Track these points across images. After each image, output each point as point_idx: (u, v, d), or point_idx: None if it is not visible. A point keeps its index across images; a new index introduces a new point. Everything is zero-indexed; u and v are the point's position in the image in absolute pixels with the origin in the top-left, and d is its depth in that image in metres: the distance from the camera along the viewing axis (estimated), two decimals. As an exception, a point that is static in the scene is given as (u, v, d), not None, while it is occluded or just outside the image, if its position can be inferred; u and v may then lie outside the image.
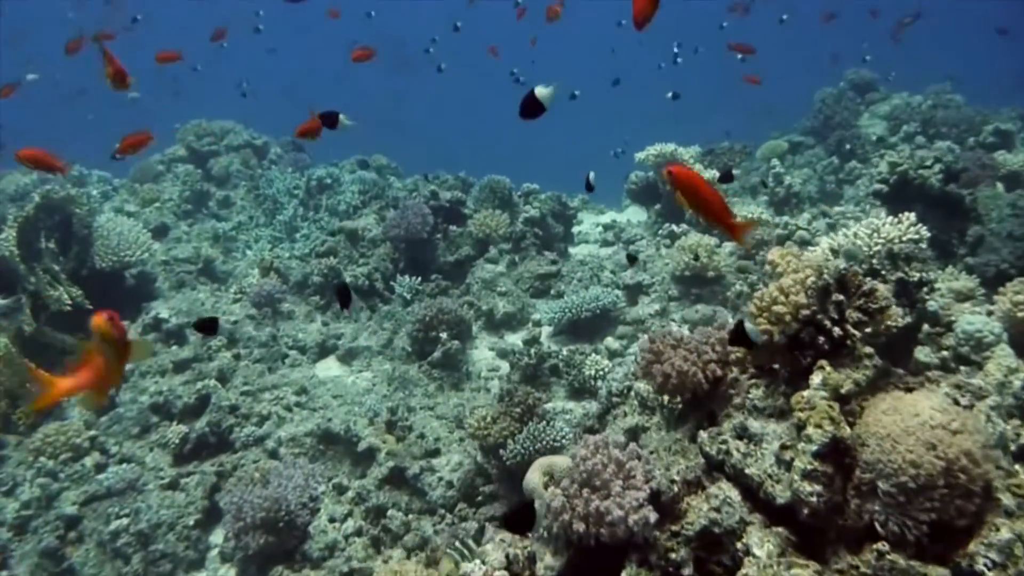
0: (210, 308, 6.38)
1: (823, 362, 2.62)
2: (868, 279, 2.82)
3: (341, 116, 4.19)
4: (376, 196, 8.43)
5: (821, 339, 2.67)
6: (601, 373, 5.47)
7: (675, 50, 8.84)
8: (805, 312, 2.69)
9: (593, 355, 5.65)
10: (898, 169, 5.68)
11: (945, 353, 3.82)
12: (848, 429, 2.43)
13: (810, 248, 5.99)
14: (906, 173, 5.65)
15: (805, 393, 2.54)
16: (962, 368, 3.79)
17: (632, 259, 6.00)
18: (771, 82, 10.80)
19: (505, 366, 5.92)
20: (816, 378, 2.57)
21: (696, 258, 6.15)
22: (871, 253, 4.07)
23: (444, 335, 5.86)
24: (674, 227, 6.97)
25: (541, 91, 2.84)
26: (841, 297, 2.73)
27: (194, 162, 9.47)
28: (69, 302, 5.79)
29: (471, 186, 9.26)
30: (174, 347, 5.92)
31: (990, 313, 4.25)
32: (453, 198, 7.33)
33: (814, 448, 2.38)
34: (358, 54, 6.66)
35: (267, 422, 5.36)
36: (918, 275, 4.07)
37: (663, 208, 7.59)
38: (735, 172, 9.72)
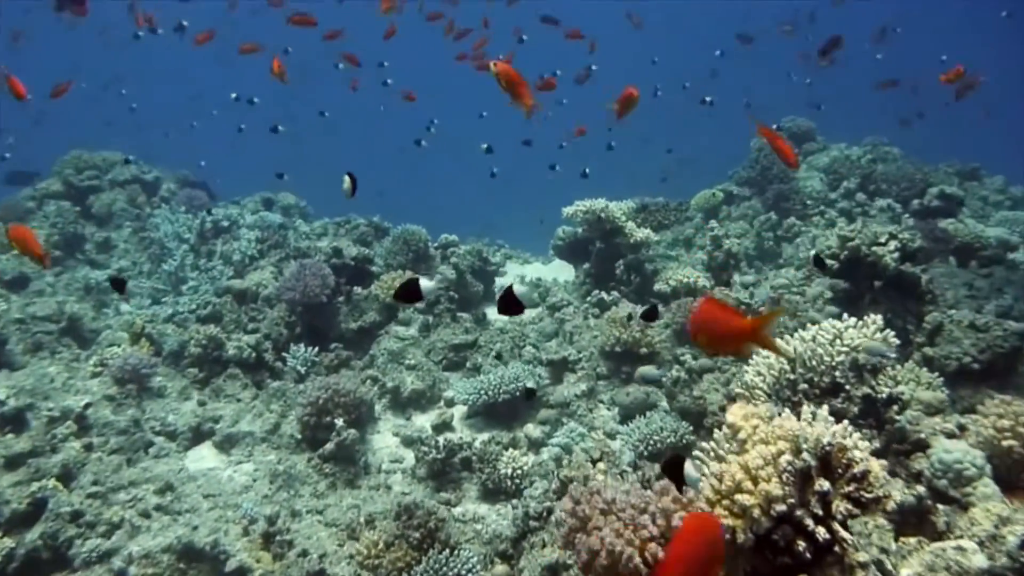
0: (61, 385, 5.41)
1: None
2: (859, 453, 2.15)
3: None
4: (276, 245, 7.56)
5: (801, 544, 1.98)
6: (519, 472, 4.74)
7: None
8: (779, 507, 2.01)
9: (510, 450, 4.91)
10: (849, 244, 5.16)
11: (920, 489, 3.21)
12: None
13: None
14: (858, 249, 5.13)
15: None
16: (940, 507, 3.19)
17: (531, 393, 5.24)
18: (715, 125, 10.40)
19: (410, 457, 5.14)
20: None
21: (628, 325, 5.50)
22: (833, 363, 3.45)
23: (340, 421, 5.04)
24: (604, 294, 6.33)
25: (519, 289, 2.97)
26: (826, 486, 2.05)
27: (71, 199, 8.40)
28: None
29: (385, 233, 8.49)
30: (9, 435, 4.93)
31: (962, 427, 3.69)
32: (359, 255, 6.53)
33: None
34: (246, 47, 6.02)
35: (117, 532, 4.44)
36: (887, 391, 3.48)
37: (592, 268, 6.94)
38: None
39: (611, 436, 5.31)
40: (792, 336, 3.68)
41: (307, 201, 9.89)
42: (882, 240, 5.11)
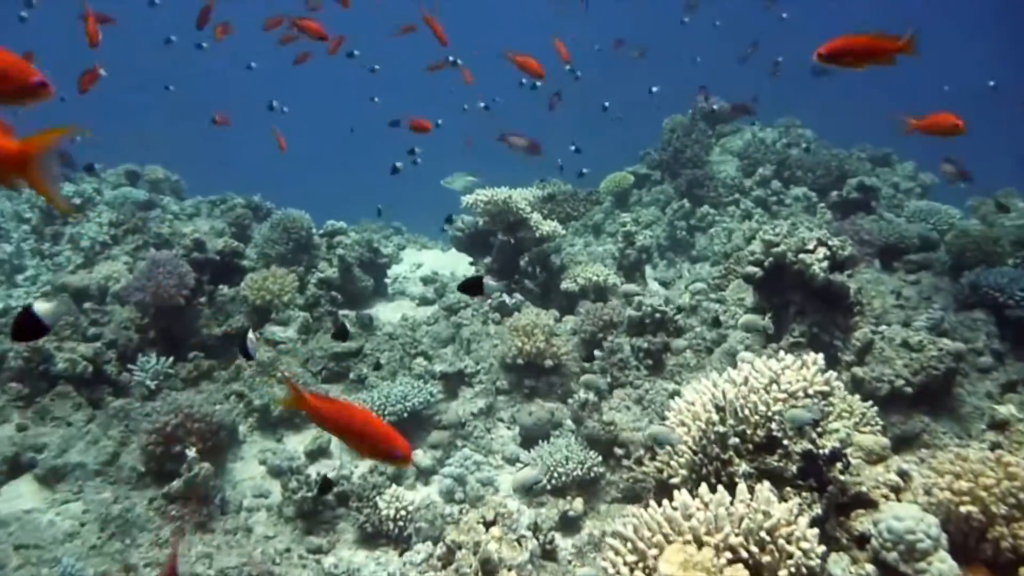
0: None
1: None
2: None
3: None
4: (134, 229, 6.57)
5: None
6: (402, 513, 4.08)
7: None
8: None
9: (393, 487, 4.24)
10: (774, 251, 4.66)
11: (869, 569, 2.71)
12: None
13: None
14: (783, 256, 4.63)
15: None
16: (891, 587, 2.71)
17: (326, 487, 4.35)
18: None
19: (277, 492, 4.40)
20: None
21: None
22: (769, 414, 2.90)
23: (192, 452, 4.25)
24: (506, 297, 5.68)
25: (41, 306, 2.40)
26: None
27: None
28: None
29: (267, 215, 7.61)
30: None
31: (904, 475, 3.21)
32: (226, 248, 5.66)
33: None
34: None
35: None
36: (829, 445, 2.96)
37: (495, 263, 6.28)
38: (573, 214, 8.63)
39: (510, 461, 4.72)
40: (720, 376, 3.12)
41: (182, 175, 8.83)
42: (810, 247, 4.62)
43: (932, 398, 4.33)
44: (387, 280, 6.76)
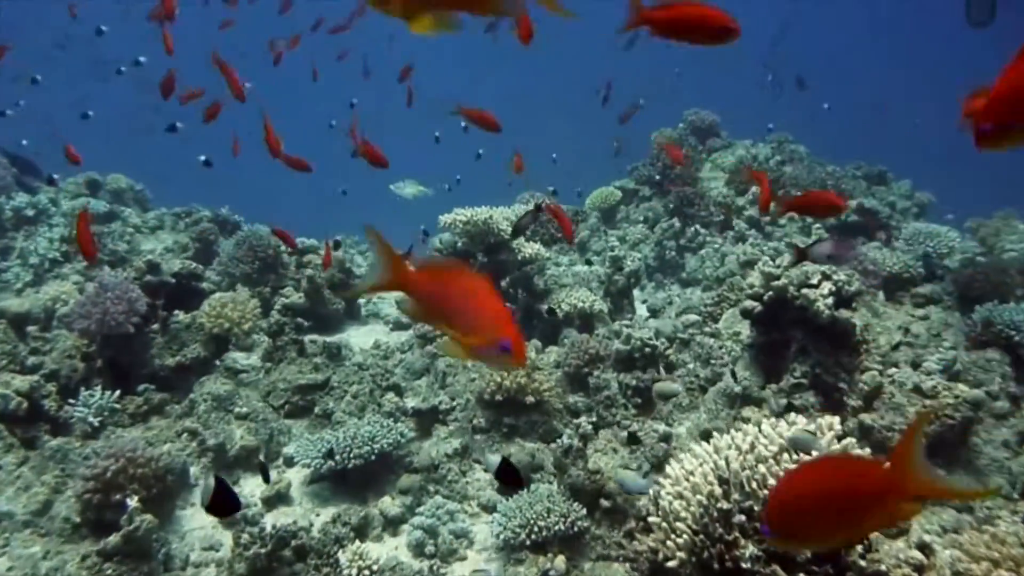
0: None
1: None
2: None
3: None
4: (89, 245, 6.11)
5: None
6: (367, 571, 3.68)
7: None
8: None
9: (356, 544, 3.83)
10: (774, 284, 4.30)
11: None
12: None
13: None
14: (785, 291, 4.28)
15: None
16: None
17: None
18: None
19: (229, 543, 3.98)
20: None
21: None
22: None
23: (133, 501, 3.83)
24: (485, 326, 5.30)
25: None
26: None
27: None
28: None
29: (235, 229, 7.19)
30: None
31: (925, 549, 2.85)
32: (183, 270, 5.23)
33: None
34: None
35: None
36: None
37: (474, 286, 5.89)
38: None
39: (487, 509, 4.32)
40: (723, 440, 2.75)
41: (145, 185, 8.38)
42: (814, 281, 4.27)
43: (947, 449, 3.99)
44: (360, 302, 6.35)
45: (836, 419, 2.72)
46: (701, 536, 2.53)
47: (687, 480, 2.67)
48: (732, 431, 2.78)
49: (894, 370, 4.24)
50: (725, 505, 2.53)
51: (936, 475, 1.21)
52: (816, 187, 8.35)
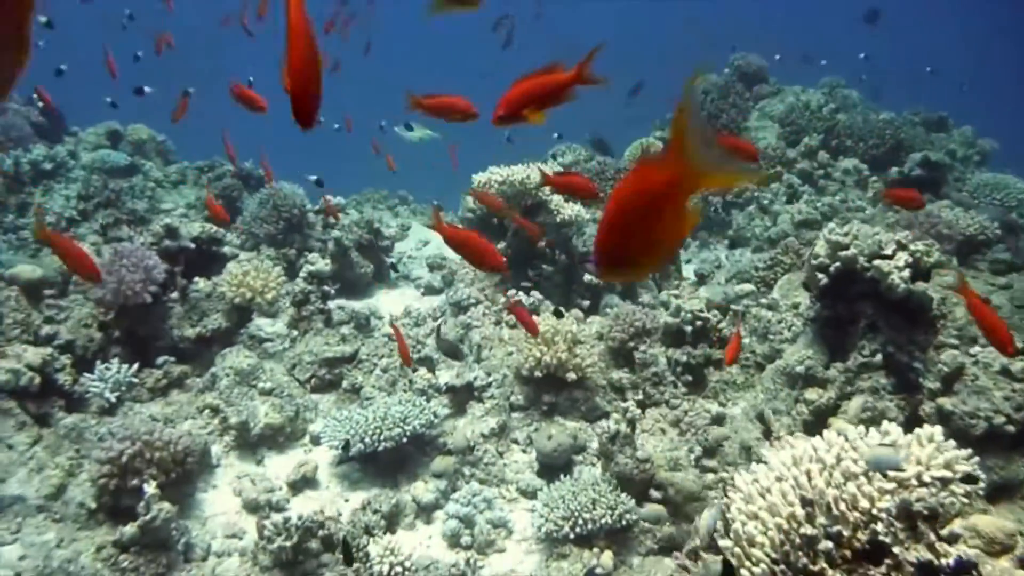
0: None
1: None
2: None
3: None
4: (107, 203, 5.85)
5: None
6: (399, 568, 3.42)
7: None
8: None
9: (387, 537, 3.57)
10: (842, 254, 3.89)
11: None
12: None
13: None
14: (854, 261, 3.86)
15: None
16: None
17: None
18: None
19: (253, 531, 3.75)
20: None
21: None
22: (873, 511, 2.19)
23: (150, 488, 3.59)
24: (523, 294, 4.95)
25: None
26: None
27: None
28: None
29: (260, 183, 6.88)
30: None
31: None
32: (204, 234, 4.92)
33: None
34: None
35: None
36: (955, 553, 2.24)
37: (509, 249, 5.53)
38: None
39: (526, 494, 4.04)
40: (802, 449, 2.40)
41: (168, 136, 8.05)
42: (888, 251, 3.85)
43: (1034, 443, 3.60)
44: (388, 266, 6.02)
45: (938, 428, 2.35)
46: (782, 566, 2.19)
47: (763, 498, 2.32)
48: (815, 440, 2.42)
49: (977, 349, 3.82)
50: (809, 531, 2.19)
51: (718, 158, 1.02)
52: (873, 138, 7.82)
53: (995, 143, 8.51)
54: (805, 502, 2.24)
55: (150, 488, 3.59)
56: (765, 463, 2.45)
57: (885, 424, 2.39)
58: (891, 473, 2.26)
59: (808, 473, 2.31)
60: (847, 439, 2.37)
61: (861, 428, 2.39)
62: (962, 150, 8.19)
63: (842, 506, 2.21)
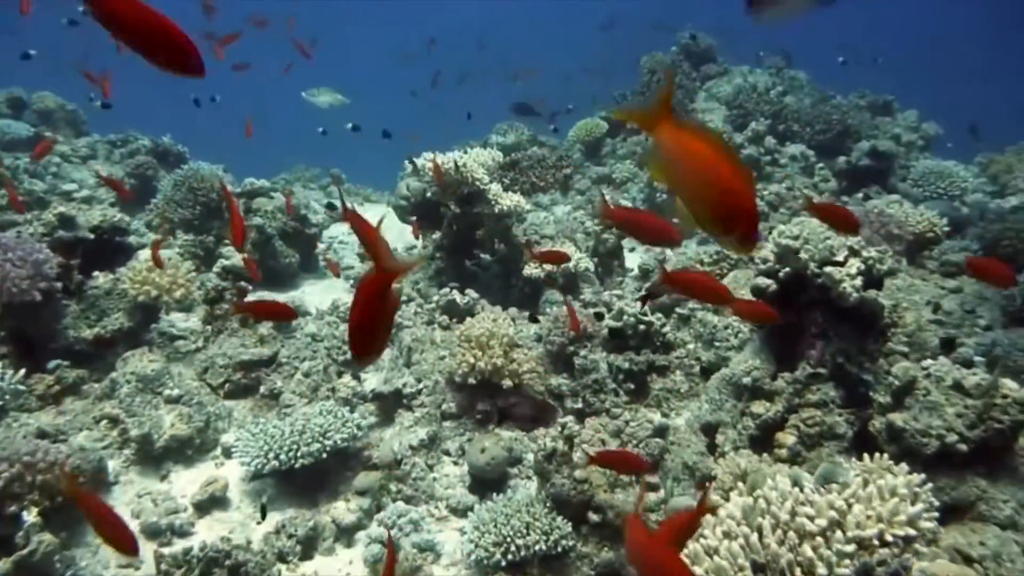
0: None
1: None
2: None
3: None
4: None
5: None
6: (313, 602, 3.12)
7: None
8: None
9: (303, 566, 3.26)
10: (792, 259, 3.67)
11: None
12: None
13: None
14: (805, 267, 3.65)
15: None
16: None
17: None
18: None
19: (150, 560, 3.39)
20: None
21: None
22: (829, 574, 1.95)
23: (31, 516, 3.21)
24: (456, 294, 4.63)
25: None
26: None
27: None
28: None
29: (179, 161, 6.39)
30: None
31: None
32: (106, 223, 4.45)
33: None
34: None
35: None
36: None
37: (444, 239, 5.20)
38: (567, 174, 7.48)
39: (457, 512, 3.77)
40: (754, 502, 2.15)
41: (77, 105, 7.43)
42: (839, 258, 3.64)
43: (990, 457, 3.44)
44: (316, 255, 5.63)
45: (900, 481, 2.12)
46: (730, 640, 1.95)
47: (710, 558, 2.07)
48: (766, 488, 2.18)
49: (929, 362, 3.65)
50: (762, 598, 1.95)
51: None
52: (820, 123, 7.67)
53: (939, 127, 8.45)
54: (757, 567, 1.99)
55: (30, 516, 3.21)
56: (715, 519, 2.20)
57: (844, 465, 2.16)
58: (849, 528, 2.03)
59: (760, 530, 2.06)
60: (802, 490, 2.13)
61: (815, 485, 2.15)
62: (906, 135, 8.10)
63: (797, 572, 1.97)
